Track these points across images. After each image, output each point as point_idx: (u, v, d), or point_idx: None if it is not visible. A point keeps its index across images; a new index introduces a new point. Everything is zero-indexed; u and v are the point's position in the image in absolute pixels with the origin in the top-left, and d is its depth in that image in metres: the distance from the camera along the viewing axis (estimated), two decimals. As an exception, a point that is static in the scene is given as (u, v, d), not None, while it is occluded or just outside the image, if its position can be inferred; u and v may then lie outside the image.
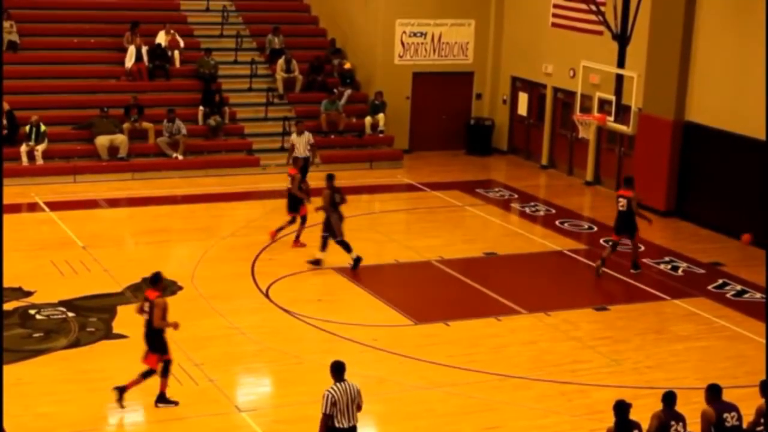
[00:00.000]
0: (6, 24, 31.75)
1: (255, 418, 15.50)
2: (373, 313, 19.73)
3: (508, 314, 19.94)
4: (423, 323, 19.34)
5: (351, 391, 12.60)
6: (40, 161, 28.69)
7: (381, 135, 32.42)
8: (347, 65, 33.67)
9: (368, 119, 32.30)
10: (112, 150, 29.37)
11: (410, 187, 29.67)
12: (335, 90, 32.40)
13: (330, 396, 12.47)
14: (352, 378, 12.74)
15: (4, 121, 28.80)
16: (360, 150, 32.02)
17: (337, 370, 12.73)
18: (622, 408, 12.33)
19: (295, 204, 23.30)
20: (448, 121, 34.41)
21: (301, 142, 26.61)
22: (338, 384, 12.60)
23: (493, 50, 34.27)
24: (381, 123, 32.31)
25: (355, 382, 12.73)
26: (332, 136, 31.84)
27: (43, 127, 28.90)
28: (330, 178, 22.17)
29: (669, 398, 12.77)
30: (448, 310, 20.23)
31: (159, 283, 15.68)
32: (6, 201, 25.81)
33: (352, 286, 21.16)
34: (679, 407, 12.75)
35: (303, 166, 25.42)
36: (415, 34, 33.65)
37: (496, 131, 34.39)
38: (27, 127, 28.78)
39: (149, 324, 15.48)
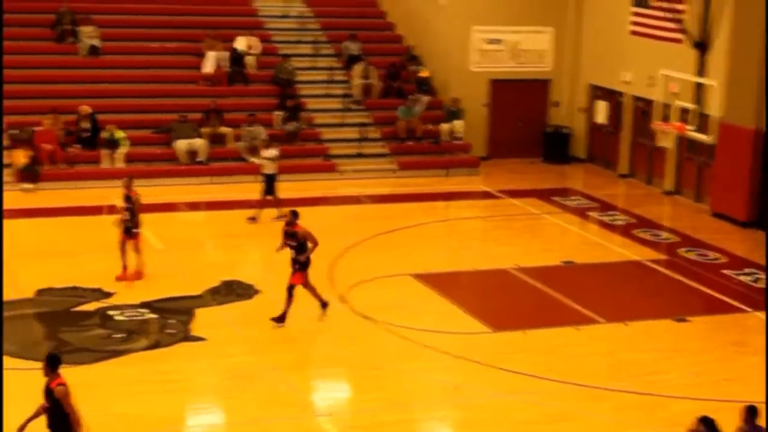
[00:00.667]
0: (88, 29, 32.23)
1: (331, 422, 15.51)
2: (450, 321, 19.64)
3: (586, 324, 19.74)
4: (501, 331, 19.22)
5: None
6: (120, 164, 29.06)
7: (458, 142, 32.35)
8: (424, 73, 33.65)
9: (445, 126, 32.24)
10: (191, 154, 29.66)
11: (487, 195, 29.55)
12: (410, 97, 32.39)
13: None
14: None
15: (87, 124, 29.24)
16: (437, 157, 31.96)
17: None
18: (708, 424, 12.07)
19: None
20: (525, 129, 34.26)
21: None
22: None
23: (571, 58, 34.06)
24: (458, 130, 32.25)
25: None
26: (409, 143, 31.84)
27: (118, 134, 29.24)
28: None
29: (751, 412, 12.54)
30: (526, 318, 20.09)
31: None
32: (87, 203, 26.32)
33: (429, 292, 21.08)
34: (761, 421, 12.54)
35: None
36: (491, 41, 33.56)
37: (573, 139, 34.17)
38: (105, 133, 29.18)
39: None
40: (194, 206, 26.99)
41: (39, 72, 31.53)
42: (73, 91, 30.82)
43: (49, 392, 12.24)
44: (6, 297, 19.11)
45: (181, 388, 16.19)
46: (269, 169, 25.67)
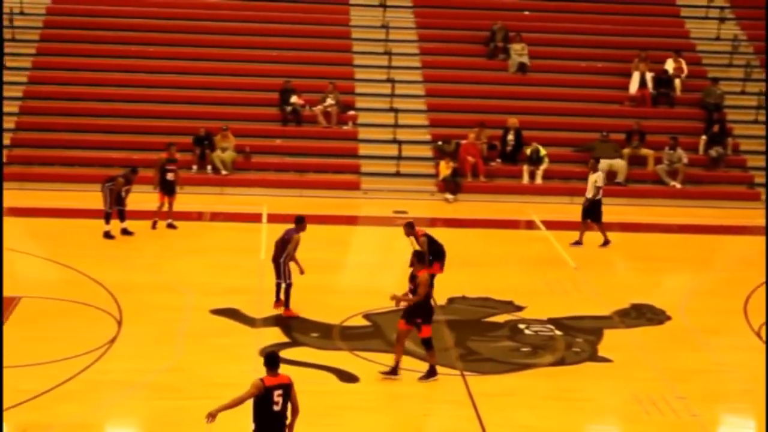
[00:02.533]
0: (518, 46, 32.89)
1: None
2: None
3: None
4: None
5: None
6: (539, 181, 29.42)
7: None
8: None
9: None
10: (610, 174, 29.47)
11: None
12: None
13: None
14: None
15: (510, 138, 29.82)
16: None
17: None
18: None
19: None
20: None
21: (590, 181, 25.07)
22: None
23: None
24: None
25: None
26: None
27: (542, 152, 29.61)
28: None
29: None
30: None
31: None
32: (505, 216, 26.66)
33: None
34: None
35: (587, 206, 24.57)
36: None
37: None
38: (528, 150, 29.63)
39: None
40: (607, 226, 26.70)
41: (469, 87, 32.55)
42: (500, 106, 31.56)
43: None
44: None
45: (584, 407, 16.07)
46: (589, 193, 24.84)
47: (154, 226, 24.32)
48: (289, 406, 12.20)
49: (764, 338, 19.26)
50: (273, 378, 12.12)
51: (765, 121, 31.35)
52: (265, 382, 12.03)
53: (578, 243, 24.57)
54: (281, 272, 19.01)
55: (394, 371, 16.54)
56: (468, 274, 22.17)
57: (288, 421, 12.21)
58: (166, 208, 24.53)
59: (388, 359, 16.88)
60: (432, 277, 16.92)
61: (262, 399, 12.01)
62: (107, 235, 23.56)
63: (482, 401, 15.96)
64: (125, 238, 23.63)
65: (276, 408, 12.04)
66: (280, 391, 12.06)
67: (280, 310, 19.14)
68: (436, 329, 18.66)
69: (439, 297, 20.57)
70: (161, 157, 24.89)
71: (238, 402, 12.06)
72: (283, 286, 19.03)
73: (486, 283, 21.61)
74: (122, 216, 23.82)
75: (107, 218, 23.64)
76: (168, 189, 24.54)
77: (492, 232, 24.53)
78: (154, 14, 33.72)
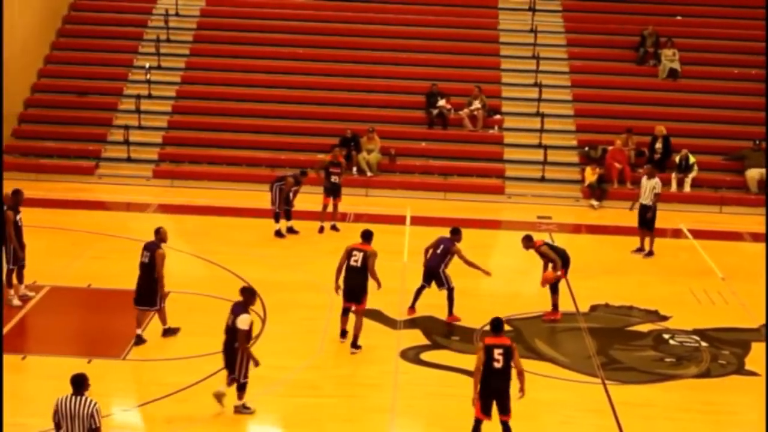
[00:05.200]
0: (669, 52, 32.32)
1: None
2: None
3: None
4: None
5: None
6: (687, 189, 28.84)
7: None
8: None
9: None
10: (762, 183, 28.70)
11: None
12: None
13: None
14: None
15: (658, 145, 29.31)
16: None
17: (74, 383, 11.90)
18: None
19: None
20: None
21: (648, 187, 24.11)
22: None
23: None
24: None
25: None
26: None
27: (692, 159, 29.02)
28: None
29: None
30: None
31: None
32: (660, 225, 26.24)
33: None
34: None
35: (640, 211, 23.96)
36: None
37: None
38: (677, 157, 29.08)
39: None
40: (757, 237, 26.00)
41: (617, 92, 32.11)
42: (649, 113, 31.06)
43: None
44: (562, 309, 19.64)
45: (727, 421, 15.73)
46: (647, 199, 24.02)
47: (321, 231, 24.61)
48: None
49: None
50: (495, 338, 13.67)
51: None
52: (485, 341, 13.64)
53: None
54: (442, 280, 19.09)
55: None
56: (611, 282, 21.91)
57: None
58: (330, 209, 24.86)
59: (529, 365, 16.76)
60: None
61: (486, 357, 13.57)
62: (278, 234, 24.02)
63: (623, 411, 15.75)
64: (274, 237, 24.00)
65: (497, 365, 13.51)
66: (500, 350, 13.58)
67: (413, 315, 19.22)
68: (578, 336, 18.51)
69: (582, 304, 20.39)
70: (324, 160, 25.21)
71: (477, 375, 13.62)
72: (446, 292, 19.12)
73: (630, 292, 21.30)
74: (288, 215, 24.25)
75: (276, 217, 24.09)
76: (331, 191, 24.78)
77: (637, 240, 24.10)
78: (304, 16, 34.17)
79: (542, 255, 19.26)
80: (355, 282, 17.40)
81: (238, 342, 14.60)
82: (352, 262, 17.44)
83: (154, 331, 17.73)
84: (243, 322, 14.53)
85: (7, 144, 29.99)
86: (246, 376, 14.84)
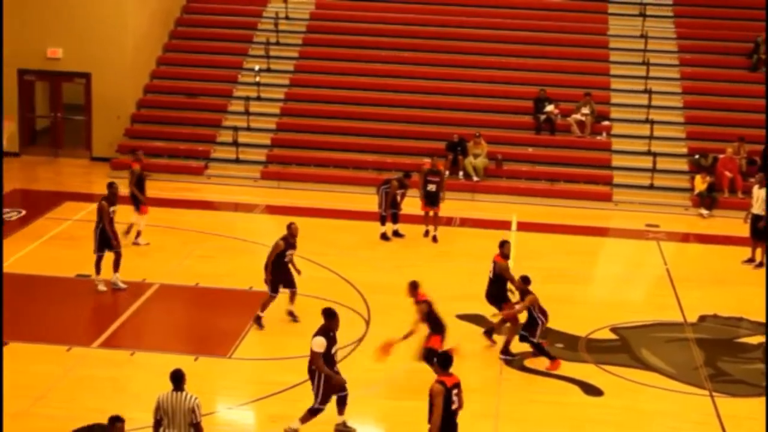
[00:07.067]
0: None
1: None
2: None
3: None
4: None
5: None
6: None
7: None
8: None
9: None
10: None
11: None
12: None
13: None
14: None
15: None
16: None
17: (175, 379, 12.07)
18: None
19: None
20: None
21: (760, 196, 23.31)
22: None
23: None
24: None
25: None
26: None
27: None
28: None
29: None
30: None
31: None
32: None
33: None
34: None
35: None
36: None
37: None
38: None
39: None
40: None
41: (729, 100, 31.54)
42: (761, 121, 30.37)
43: None
44: (670, 318, 19.35)
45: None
46: (758, 209, 23.34)
47: (426, 234, 24.63)
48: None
49: None
50: (448, 377, 12.54)
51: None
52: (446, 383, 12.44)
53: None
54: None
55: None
56: (720, 293, 21.53)
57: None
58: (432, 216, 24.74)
59: (635, 374, 16.57)
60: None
61: (445, 399, 12.39)
62: (383, 237, 24.14)
63: (730, 423, 15.47)
64: (379, 240, 24.07)
65: (454, 407, 12.48)
66: (456, 390, 12.51)
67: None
68: (685, 347, 18.23)
69: (690, 315, 20.05)
70: (424, 167, 25.17)
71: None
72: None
73: (740, 303, 20.88)
74: (395, 218, 24.31)
75: (383, 220, 24.19)
76: (429, 200, 24.52)
77: (748, 251, 23.64)
78: (410, 20, 34.21)
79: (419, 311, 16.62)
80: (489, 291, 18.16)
81: (313, 365, 14.25)
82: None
83: (265, 331, 17.98)
84: (316, 344, 14.13)
85: (120, 143, 30.63)
86: (323, 402, 14.29)
